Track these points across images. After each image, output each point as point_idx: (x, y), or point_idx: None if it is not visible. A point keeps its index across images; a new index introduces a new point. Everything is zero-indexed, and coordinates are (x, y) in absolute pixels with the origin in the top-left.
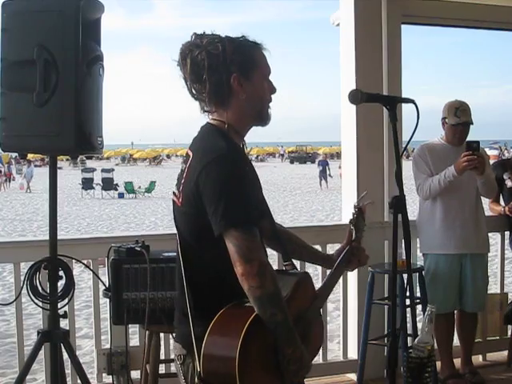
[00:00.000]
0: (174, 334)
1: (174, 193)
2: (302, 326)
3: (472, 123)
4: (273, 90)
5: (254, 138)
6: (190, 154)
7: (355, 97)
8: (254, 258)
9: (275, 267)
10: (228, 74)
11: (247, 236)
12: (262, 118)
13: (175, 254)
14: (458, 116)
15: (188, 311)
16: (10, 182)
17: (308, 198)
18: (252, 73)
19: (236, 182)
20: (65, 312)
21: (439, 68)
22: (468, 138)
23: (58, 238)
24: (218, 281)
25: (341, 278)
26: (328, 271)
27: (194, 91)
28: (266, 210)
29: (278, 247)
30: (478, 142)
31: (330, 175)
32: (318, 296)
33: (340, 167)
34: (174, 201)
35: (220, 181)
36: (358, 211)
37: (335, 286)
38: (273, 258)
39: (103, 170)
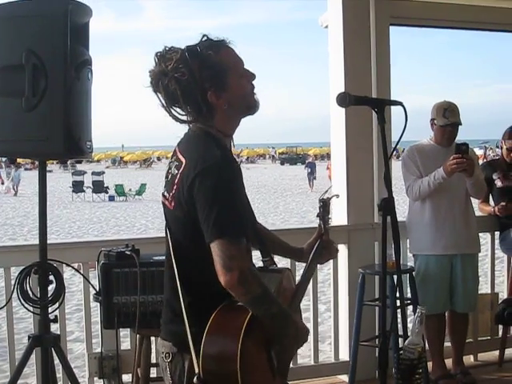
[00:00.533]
0: (160, 334)
1: (163, 195)
2: None
3: (461, 124)
4: (252, 77)
5: (244, 139)
6: (183, 160)
7: (343, 100)
8: (233, 266)
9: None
10: (203, 92)
11: (231, 246)
12: (251, 109)
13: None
14: (447, 117)
15: (182, 310)
16: None
17: (299, 200)
18: (226, 80)
19: (228, 193)
20: (55, 316)
21: (428, 68)
22: (457, 138)
23: (49, 241)
24: (212, 281)
25: (331, 279)
26: (297, 263)
27: (176, 115)
28: (249, 212)
29: (257, 245)
30: (467, 145)
31: (314, 178)
32: (298, 290)
33: (328, 168)
34: (164, 203)
35: (213, 190)
36: (323, 205)
37: (311, 279)
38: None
39: (94, 173)
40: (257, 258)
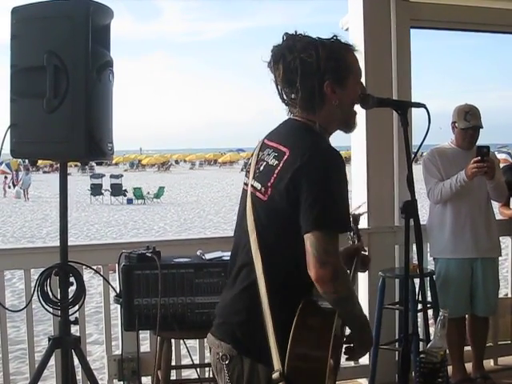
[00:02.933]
0: (215, 330)
1: (253, 187)
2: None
3: (482, 127)
4: (363, 89)
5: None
6: (285, 150)
7: (366, 101)
8: (328, 261)
9: None
10: (321, 81)
11: (328, 238)
12: (349, 126)
13: (187, 259)
14: (468, 120)
15: (258, 311)
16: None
17: None
18: (346, 79)
19: (336, 184)
20: (76, 318)
21: (448, 71)
22: (478, 142)
23: (68, 244)
24: (298, 277)
25: None
26: None
27: (284, 96)
28: None
29: None
30: (488, 147)
31: None
32: None
33: None
34: (255, 194)
35: (321, 180)
36: (353, 220)
37: None
38: None
39: (112, 176)
40: None
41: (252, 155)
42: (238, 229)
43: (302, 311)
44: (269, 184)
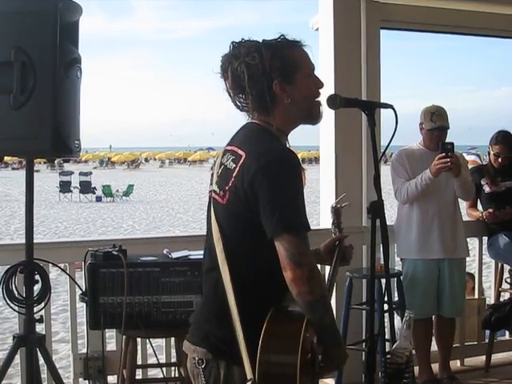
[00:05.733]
0: (189, 336)
1: (214, 191)
2: None
3: (448, 128)
4: (319, 85)
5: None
6: (242, 153)
7: (333, 101)
8: (304, 262)
9: None
10: (269, 81)
11: (300, 241)
12: (312, 117)
13: (153, 258)
14: (434, 121)
15: (227, 314)
16: None
17: None
18: (294, 75)
19: (294, 186)
20: (41, 316)
21: (418, 73)
22: None
23: (35, 241)
24: (267, 282)
25: None
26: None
27: (238, 103)
28: None
29: None
30: (452, 144)
31: None
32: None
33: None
34: (214, 198)
35: (278, 183)
36: (335, 212)
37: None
38: None
39: (81, 174)
40: None
41: (214, 163)
42: (208, 232)
43: (271, 318)
44: (226, 188)
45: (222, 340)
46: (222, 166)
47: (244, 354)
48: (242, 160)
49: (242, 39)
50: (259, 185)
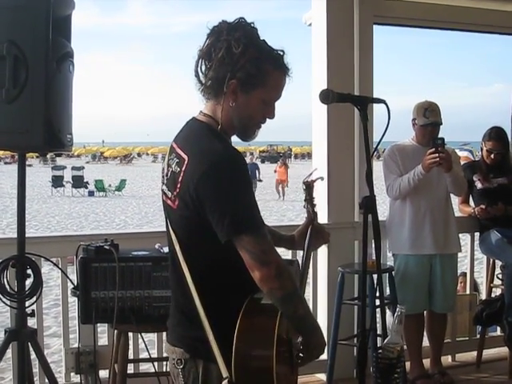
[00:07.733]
0: (168, 338)
1: (165, 193)
2: None
3: (441, 123)
4: (269, 115)
5: None
6: (185, 156)
7: (326, 96)
8: (270, 260)
9: None
10: (231, 76)
11: (259, 239)
12: (244, 135)
13: (145, 252)
14: (427, 117)
15: (195, 315)
16: None
17: (278, 198)
18: (253, 89)
19: (240, 187)
20: (32, 311)
21: (411, 68)
22: None
23: (27, 235)
24: (228, 281)
25: (311, 278)
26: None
27: (198, 69)
28: None
29: None
30: (442, 139)
31: (259, 179)
32: (301, 281)
33: (275, 171)
34: (166, 202)
35: (223, 186)
36: (307, 188)
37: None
38: None
39: (73, 168)
40: None
41: (164, 159)
42: (168, 236)
43: (244, 312)
44: (175, 193)
45: (197, 340)
46: (170, 169)
47: (217, 353)
48: (185, 165)
49: (252, 23)
50: (204, 191)
